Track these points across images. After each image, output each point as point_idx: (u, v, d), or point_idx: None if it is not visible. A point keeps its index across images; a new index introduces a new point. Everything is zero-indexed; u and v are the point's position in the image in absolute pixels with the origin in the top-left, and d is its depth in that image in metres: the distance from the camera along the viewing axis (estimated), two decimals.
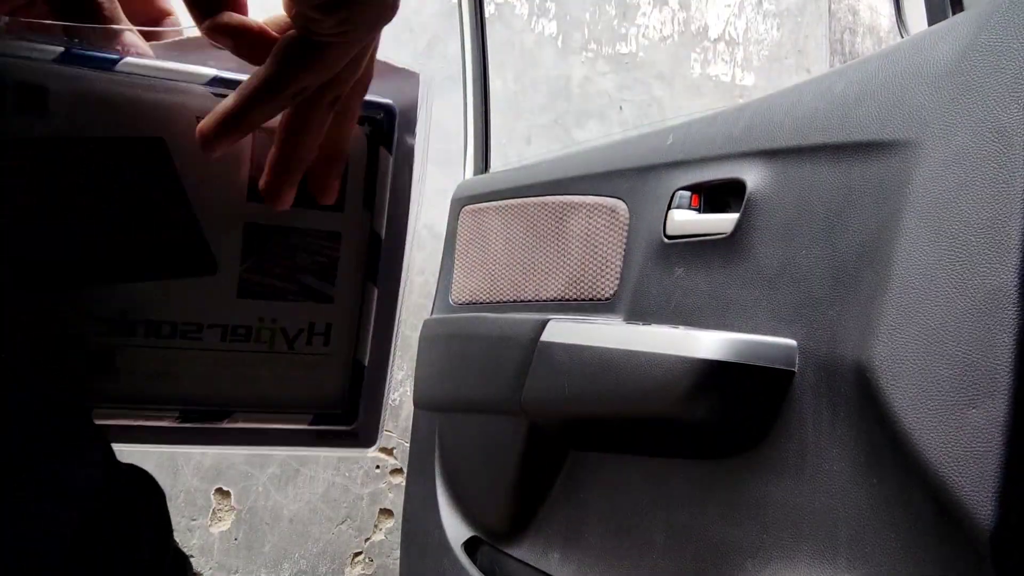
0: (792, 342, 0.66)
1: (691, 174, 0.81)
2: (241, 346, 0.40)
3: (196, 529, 1.93)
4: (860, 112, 0.65)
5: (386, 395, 0.44)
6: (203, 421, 0.40)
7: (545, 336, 0.89)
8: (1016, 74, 0.53)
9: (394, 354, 0.44)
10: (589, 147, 1.05)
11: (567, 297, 0.94)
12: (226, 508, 1.96)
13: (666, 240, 0.81)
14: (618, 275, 0.88)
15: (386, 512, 2.08)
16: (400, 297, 0.44)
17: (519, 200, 1.06)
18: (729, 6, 2.58)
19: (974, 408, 0.50)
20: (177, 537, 0.52)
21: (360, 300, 0.43)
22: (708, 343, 0.70)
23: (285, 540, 2.00)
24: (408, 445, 1.28)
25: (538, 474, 0.96)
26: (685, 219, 0.80)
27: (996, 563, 0.49)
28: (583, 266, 0.93)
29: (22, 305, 0.35)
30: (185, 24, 0.37)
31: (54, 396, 0.48)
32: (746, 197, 0.73)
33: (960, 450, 0.51)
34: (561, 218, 0.97)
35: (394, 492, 2.08)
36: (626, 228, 0.88)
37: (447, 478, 1.14)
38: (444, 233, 1.26)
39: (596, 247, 0.91)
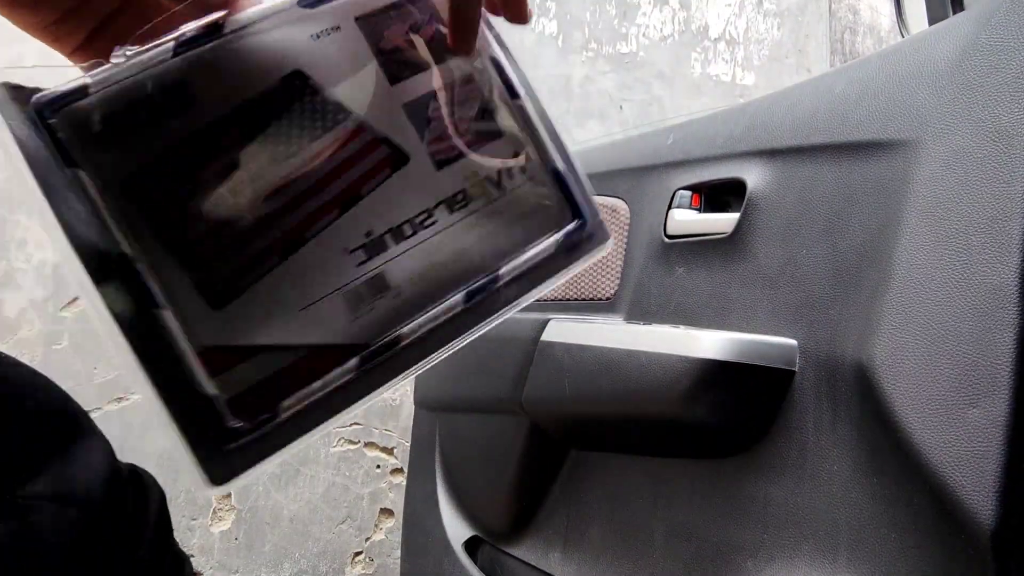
0: (793, 342, 0.66)
1: (691, 174, 0.81)
2: (468, 210, 0.41)
3: (196, 528, 1.93)
4: (860, 112, 0.65)
5: (586, 183, 0.44)
6: (485, 292, 0.41)
7: (545, 336, 0.89)
8: (1017, 74, 0.53)
9: (571, 145, 0.45)
10: (589, 146, 1.05)
11: (567, 296, 0.94)
12: (226, 508, 1.96)
13: (666, 240, 0.81)
14: (619, 275, 0.88)
15: (386, 512, 2.08)
16: (540, 97, 0.45)
17: None
18: (729, 5, 2.58)
19: (975, 407, 0.50)
20: (177, 536, 0.52)
21: (519, 117, 0.44)
22: (708, 343, 0.70)
23: (286, 540, 2.00)
24: (408, 445, 1.28)
25: (539, 473, 0.96)
26: (685, 219, 0.80)
27: (997, 562, 0.49)
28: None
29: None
30: None
31: (55, 397, 0.48)
32: (746, 197, 0.73)
33: (961, 449, 0.51)
34: None
35: (395, 492, 2.08)
36: (626, 227, 0.88)
37: (447, 478, 1.14)
38: None
39: None
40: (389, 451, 2.10)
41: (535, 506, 0.97)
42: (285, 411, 0.35)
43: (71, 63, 0.40)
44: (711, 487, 0.73)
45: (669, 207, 0.82)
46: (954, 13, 0.75)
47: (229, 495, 1.95)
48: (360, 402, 0.36)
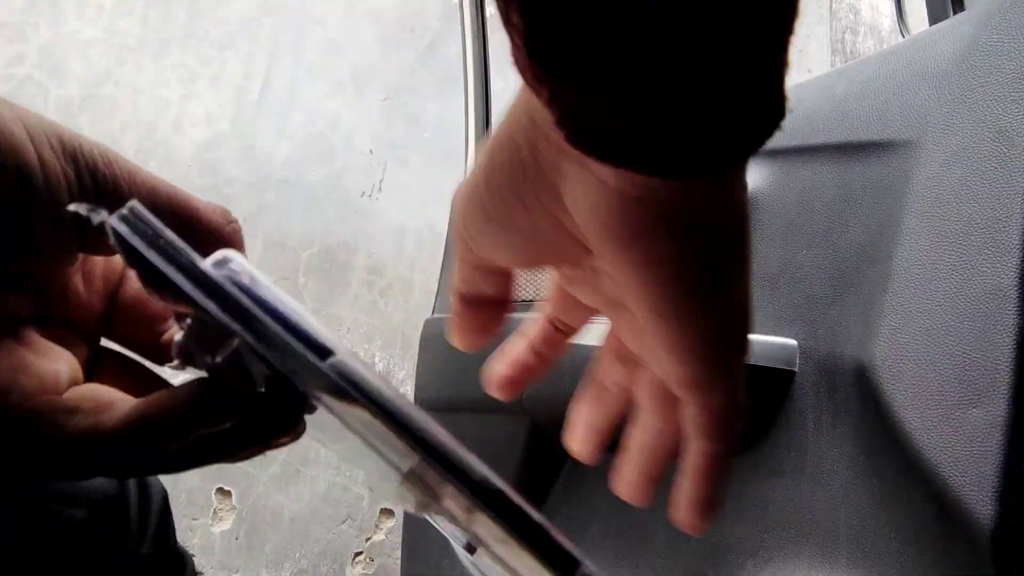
0: (793, 342, 0.66)
1: None
2: None
3: (197, 528, 1.93)
4: (861, 112, 0.65)
5: None
6: None
7: None
8: (1017, 74, 0.53)
9: None
10: None
11: None
12: (227, 507, 1.96)
13: None
14: None
15: (387, 512, 2.08)
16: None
17: None
18: None
19: (974, 408, 0.50)
20: (178, 536, 0.52)
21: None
22: None
23: (286, 540, 2.00)
24: None
25: (539, 473, 0.96)
26: None
27: (996, 562, 0.49)
28: None
29: None
30: None
31: None
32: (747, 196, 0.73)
33: (960, 449, 0.51)
34: None
35: None
36: None
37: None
38: (445, 232, 1.26)
39: None
40: None
41: (536, 506, 0.97)
42: None
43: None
44: None
45: None
46: (955, 13, 0.75)
47: (230, 494, 1.96)
48: None
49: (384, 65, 2.15)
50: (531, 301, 0.99)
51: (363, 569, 2.06)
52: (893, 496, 0.57)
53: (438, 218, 2.14)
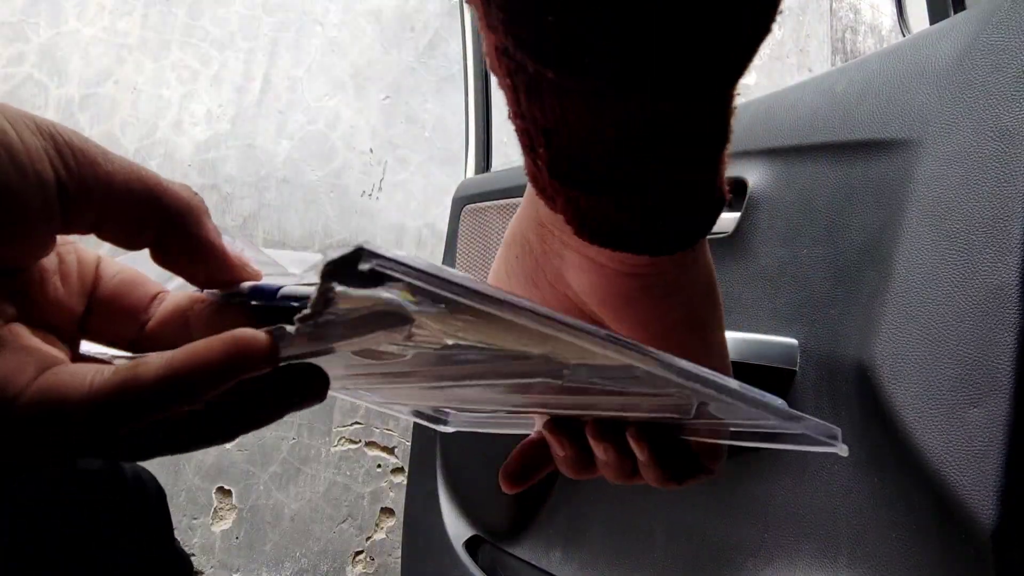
0: (793, 341, 0.66)
1: None
2: None
3: (198, 528, 1.93)
4: (862, 111, 0.65)
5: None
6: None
7: None
8: (1017, 73, 0.53)
9: None
10: None
11: None
12: (227, 507, 1.96)
13: None
14: None
15: (387, 511, 2.08)
16: None
17: (520, 199, 1.05)
18: None
19: (975, 407, 0.50)
20: (178, 536, 0.52)
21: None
22: None
23: (286, 539, 2.00)
24: (409, 444, 1.28)
25: None
26: None
27: (997, 561, 0.49)
28: None
29: None
30: None
31: None
32: (747, 196, 0.73)
33: (961, 449, 0.51)
34: None
35: (395, 491, 2.08)
36: None
37: (448, 477, 1.14)
38: (445, 232, 1.26)
39: None
40: (390, 450, 2.10)
41: (536, 506, 0.97)
42: None
43: None
44: (711, 487, 0.73)
45: None
46: (955, 13, 0.75)
47: (230, 493, 1.96)
48: None
49: (384, 64, 2.15)
50: None
51: (363, 568, 2.06)
52: (894, 495, 0.57)
53: (438, 217, 2.14)
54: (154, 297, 0.30)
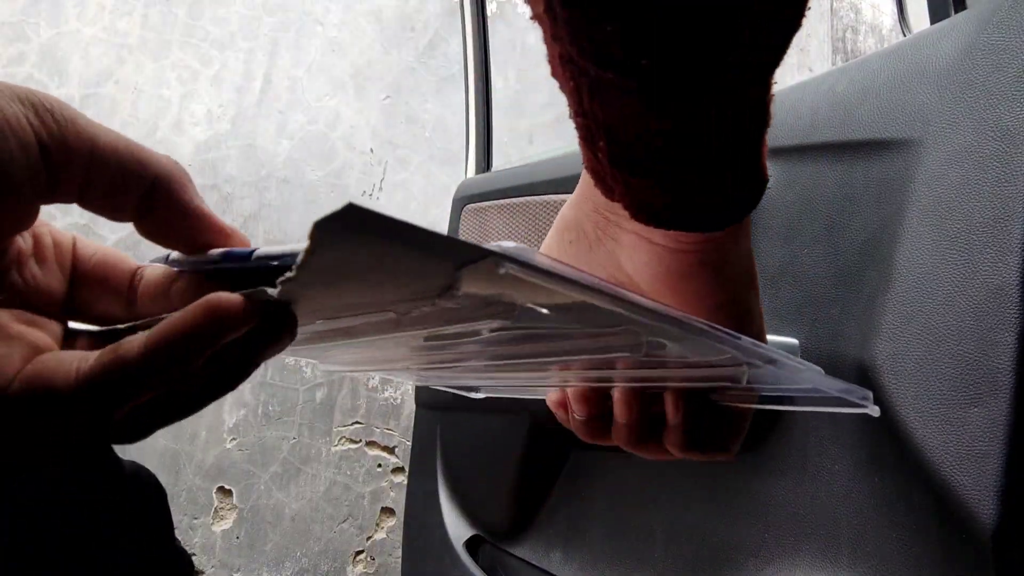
0: (794, 341, 0.66)
1: None
2: None
3: (198, 528, 1.93)
4: (862, 111, 0.65)
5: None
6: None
7: None
8: (1018, 73, 0.53)
9: None
10: None
11: None
12: (228, 506, 1.96)
13: None
14: None
15: (388, 511, 2.08)
16: None
17: (521, 199, 1.06)
18: None
19: (976, 407, 0.50)
20: (179, 536, 0.52)
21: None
22: None
23: (287, 539, 2.00)
24: (410, 444, 1.28)
25: (540, 473, 0.96)
26: None
27: (997, 561, 0.49)
28: None
29: None
30: None
31: None
32: None
33: (962, 449, 0.51)
34: None
35: (396, 491, 2.08)
36: None
37: (449, 477, 1.14)
38: (445, 232, 1.26)
39: None
40: (390, 450, 2.10)
41: (536, 506, 0.97)
42: None
43: None
44: (712, 486, 0.73)
45: None
46: (956, 12, 0.75)
47: (231, 493, 1.96)
48: None
49: (384, 64, 2.15)
50: None
51: (364, 568, 2.06)
52: (894, 496, 0.57)
53: (438, 217, 2.14)
54: (134, 273, 0.30)
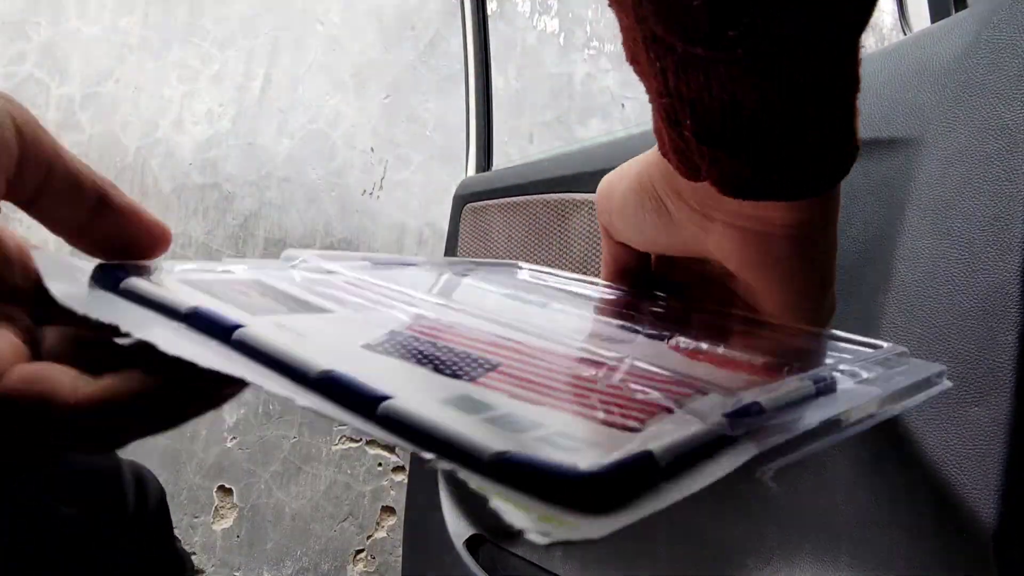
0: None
1: None
2: None
3: (198, 527, 1.93)
4: (862, 110, 0.64)
5: None
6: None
7: None
8: (1020, 71, 0.53)
9: None
10: (591, 144, 1.05)
11: None
12: (228, 505, 1.96)
13: None
14: None
15: (388, 510, 2.09)
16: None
17: (521, 198, 1.05)
18: None
19: (977, 406, 0.50)
20: (179, 535, 0.52)
21: None
22: None
23: (287, 537, 2.00)
24: None
25: None
26: None
27: (999, 561, 0.49)
28: (585, 264, 0.93)
29: None
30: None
31: None
32: None
33: (963, 448, 0.51)
34: (563, 216, 0.97)
35: (396, 490, 2.08)
36: None
37: (449, 476, 1.13)
38: (446, 231, 1.26)
39: (598, 245, 0.91)
40: (391, 449, 2.10)
41: None
42: None
43: None
44: (712, 486, 0.73)
45: None
46: (956, 11, 0.75)
47: (231, 492, 1.96)
48: None
49: (385, 63, 2.15)
50: None
51: (364, 567, 2.06)
52: (894, 495, 0.57)
53: (439, 216, 2.14)
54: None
